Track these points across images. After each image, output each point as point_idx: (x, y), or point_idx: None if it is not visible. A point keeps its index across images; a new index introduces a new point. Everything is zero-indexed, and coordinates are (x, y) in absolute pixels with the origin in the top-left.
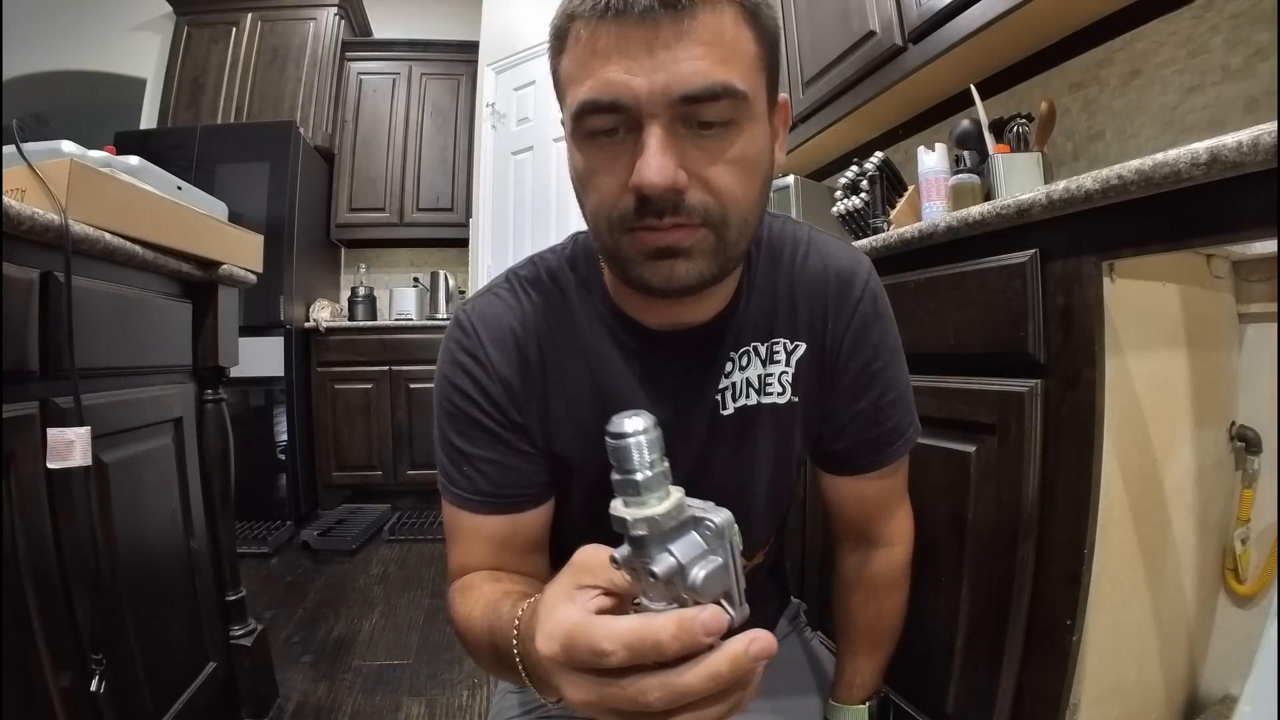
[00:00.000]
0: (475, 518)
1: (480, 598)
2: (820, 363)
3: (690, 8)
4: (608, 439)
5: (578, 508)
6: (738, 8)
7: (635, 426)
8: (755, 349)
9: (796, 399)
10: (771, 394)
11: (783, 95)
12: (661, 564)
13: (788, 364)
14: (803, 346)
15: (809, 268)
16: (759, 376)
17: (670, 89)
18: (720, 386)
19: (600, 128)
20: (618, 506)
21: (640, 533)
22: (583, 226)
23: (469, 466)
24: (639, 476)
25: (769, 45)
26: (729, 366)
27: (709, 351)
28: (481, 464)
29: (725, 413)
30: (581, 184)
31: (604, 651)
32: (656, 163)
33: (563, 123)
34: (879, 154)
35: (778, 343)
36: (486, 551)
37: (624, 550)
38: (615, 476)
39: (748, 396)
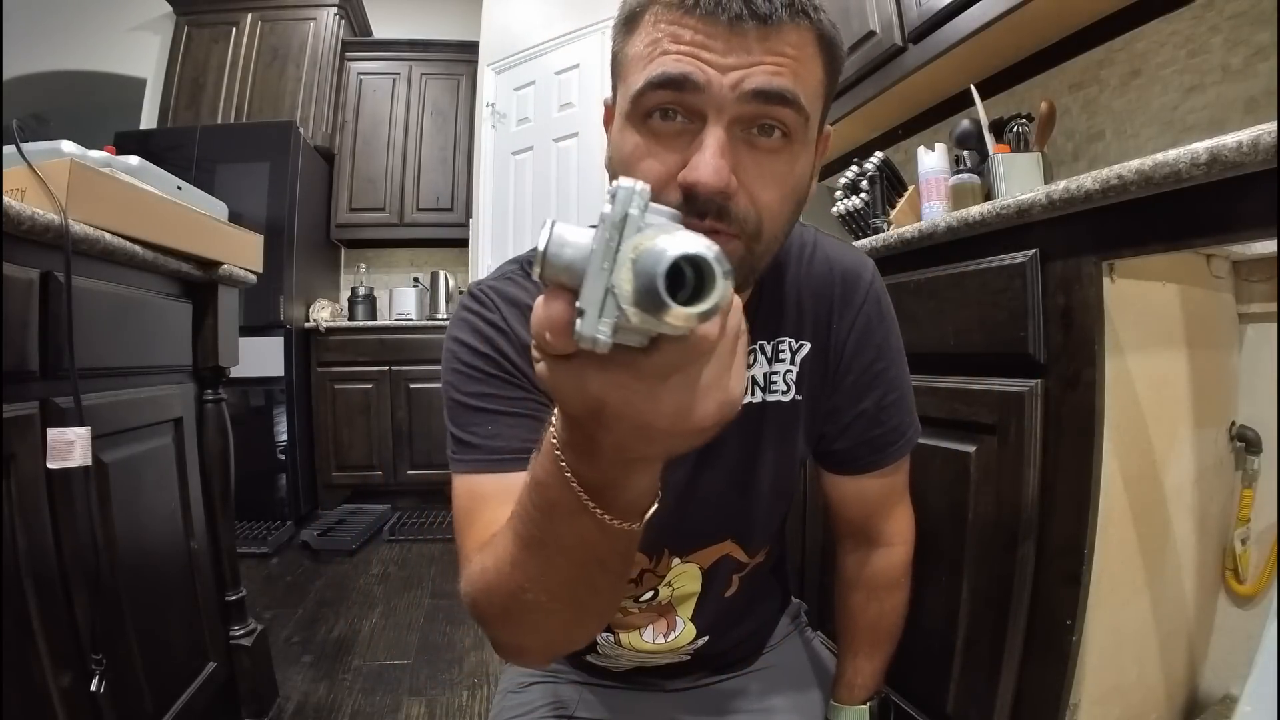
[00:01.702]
0: (505, 477)
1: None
2: (824, 362)
3: (778, 24)
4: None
5: None
6: (817, 34)
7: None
8: (761, 347)
9: (800, 397)
10: (776, 392)
11: (829, 127)
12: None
13: (792, 362)
14: (808, 346)
15: (815, 269)
16: (764, 374)
17: (743, 83)
18: None
19: (659, 104)
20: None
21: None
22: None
23: (493, 425)
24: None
25: (833, 78)
26: None
27: None
28: (508, 419)
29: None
30: (623, 167)
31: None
32: (714, 163)
33: (606, 104)
34: (879, 154)
35: (783, 342)
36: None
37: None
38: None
39: (752, 394)
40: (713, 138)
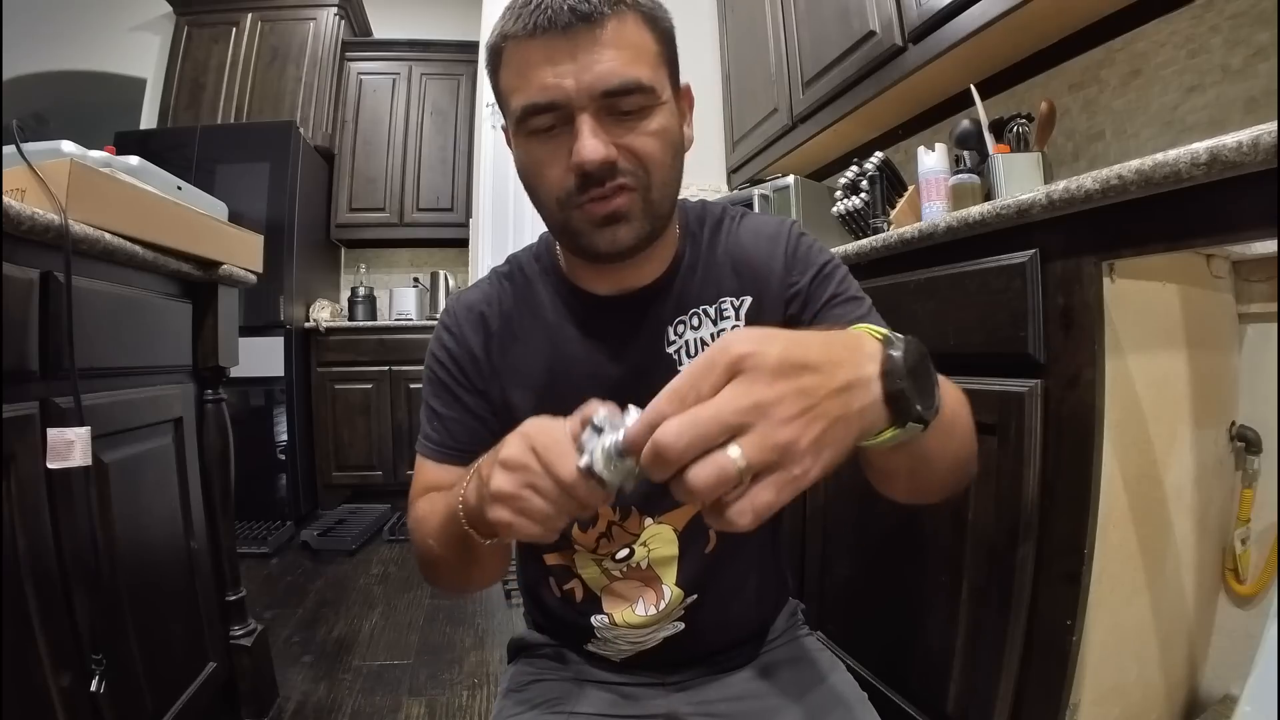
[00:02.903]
0: (440, 466)
1: (439, 498)
2: (769, 306)
3: (601, 19)
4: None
5: None
6: (638, 14)
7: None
8: (704, 311)
9: None
10: None
11: (685, 81)
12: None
13: (738, 318)
14: (749, 299)
15: (741, 234)
16: (712, 334)
17: (594, 85)
18: (674, 345)
19: (540, 126)
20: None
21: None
22: None
23: (439, 423)
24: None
25: (666, 42)
26: (681, 328)
27: (652, 310)
28: (449, 422)
29: (682, 369)
30: (530, 175)
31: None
32: (591, 143)
33: (504, 129)
34: (879, 154)
35: (725, 301)
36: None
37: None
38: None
39: (702, 352)
40: (585, 125)
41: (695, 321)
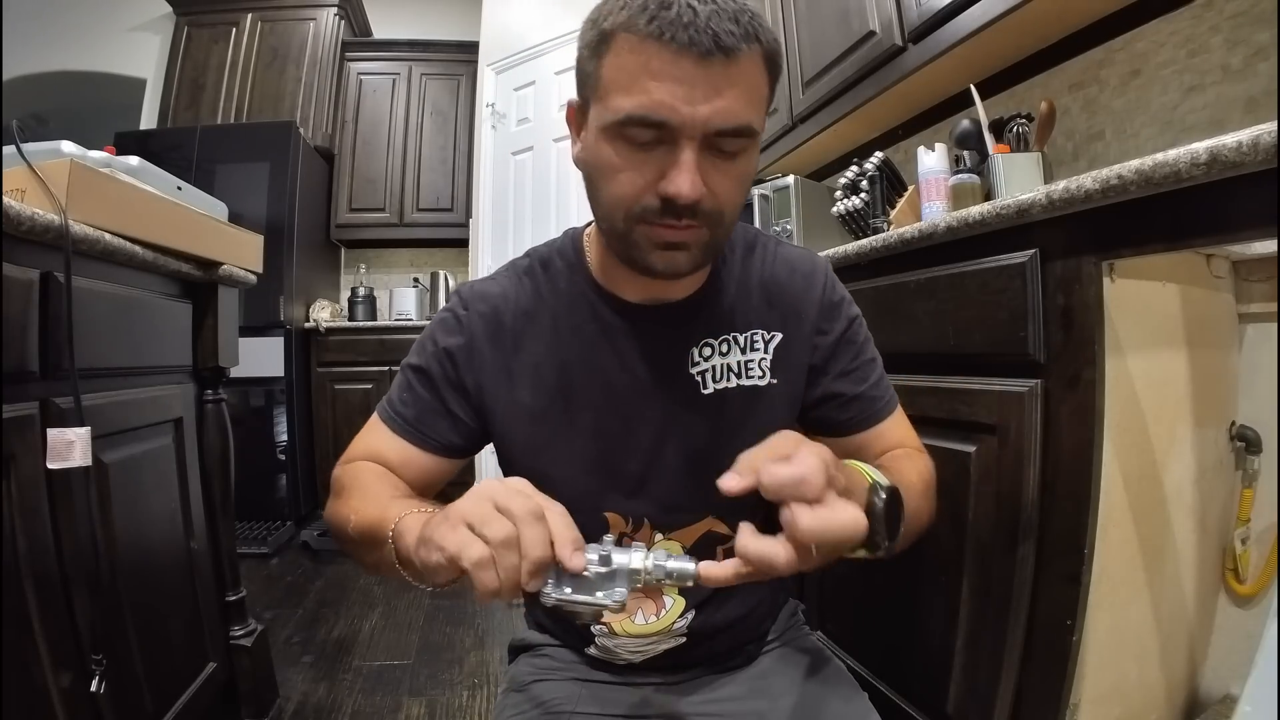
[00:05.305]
0: (395, 439)
1: (381, 482)
2: (797, 346)
3: (737, 55)
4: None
5: (519, 456)
6: (764, 56)
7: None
8: (735, 338)
9: (775, 381)
10: (752, 377)
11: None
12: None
13: (766, 351)
14: (779, 336)
15: (777, 270)
16: (739, 362)
17: (711, 121)
18: (700, 368)
19: (638, 138)
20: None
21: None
22: (575, 223)
23: (411, 398)
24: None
25: (774, 87)
26: (708, 351)
27: (680, 326)
28: (423, 407)
29: (705, 392)
30: (603, 175)
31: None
32: (690, 179)
33: (572, 103)
34: (879, 154)
35: (756, 333)
36: (386, 460)
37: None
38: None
39: (727, 380)
40: (688, 158)
41: (724, 348)
